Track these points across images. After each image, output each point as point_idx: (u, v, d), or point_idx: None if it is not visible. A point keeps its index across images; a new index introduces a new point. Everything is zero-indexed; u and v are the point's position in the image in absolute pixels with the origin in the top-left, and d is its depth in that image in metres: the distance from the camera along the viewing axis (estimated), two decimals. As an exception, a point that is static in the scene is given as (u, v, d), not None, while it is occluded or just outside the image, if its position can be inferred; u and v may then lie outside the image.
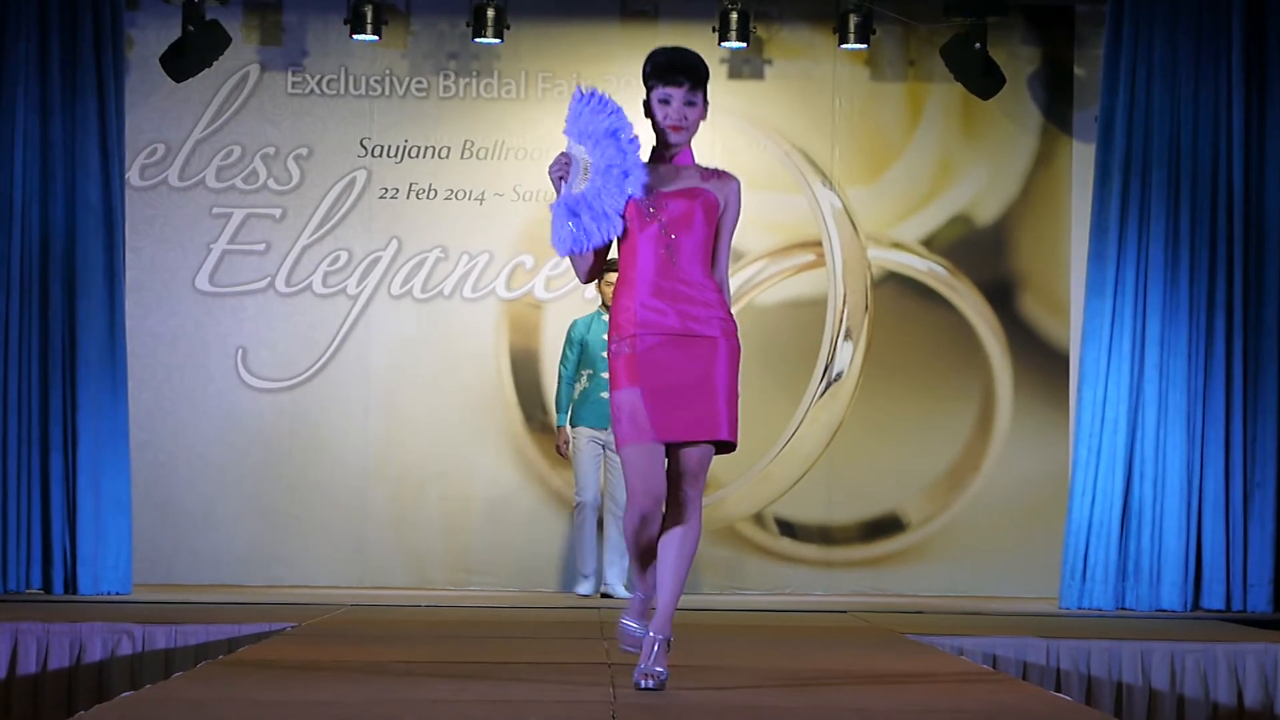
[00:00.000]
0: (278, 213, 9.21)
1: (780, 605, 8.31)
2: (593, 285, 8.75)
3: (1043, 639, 6.40)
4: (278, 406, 9.13)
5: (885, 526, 9.22)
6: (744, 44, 8.95)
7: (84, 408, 8.14)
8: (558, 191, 4.42)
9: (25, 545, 8.08)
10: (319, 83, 9.21)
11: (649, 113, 4.42)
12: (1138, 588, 8.15)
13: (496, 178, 9.23)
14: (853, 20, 8.90)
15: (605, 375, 8.30)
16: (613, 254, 4.54)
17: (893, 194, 9.29)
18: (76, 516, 8.11)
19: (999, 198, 9.28)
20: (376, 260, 9.20)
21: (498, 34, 8.93)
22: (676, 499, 4.37)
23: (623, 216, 4.35)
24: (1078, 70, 9.25)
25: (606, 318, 8.48)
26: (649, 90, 4.42)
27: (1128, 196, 8.28)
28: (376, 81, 9.23)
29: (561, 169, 4.39)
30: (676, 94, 4.39)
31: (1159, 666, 6.23)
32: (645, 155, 4.42)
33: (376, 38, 8.95)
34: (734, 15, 8.84)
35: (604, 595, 8.51)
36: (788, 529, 9.21)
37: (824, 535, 9.21)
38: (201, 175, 9.19)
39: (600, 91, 4.41)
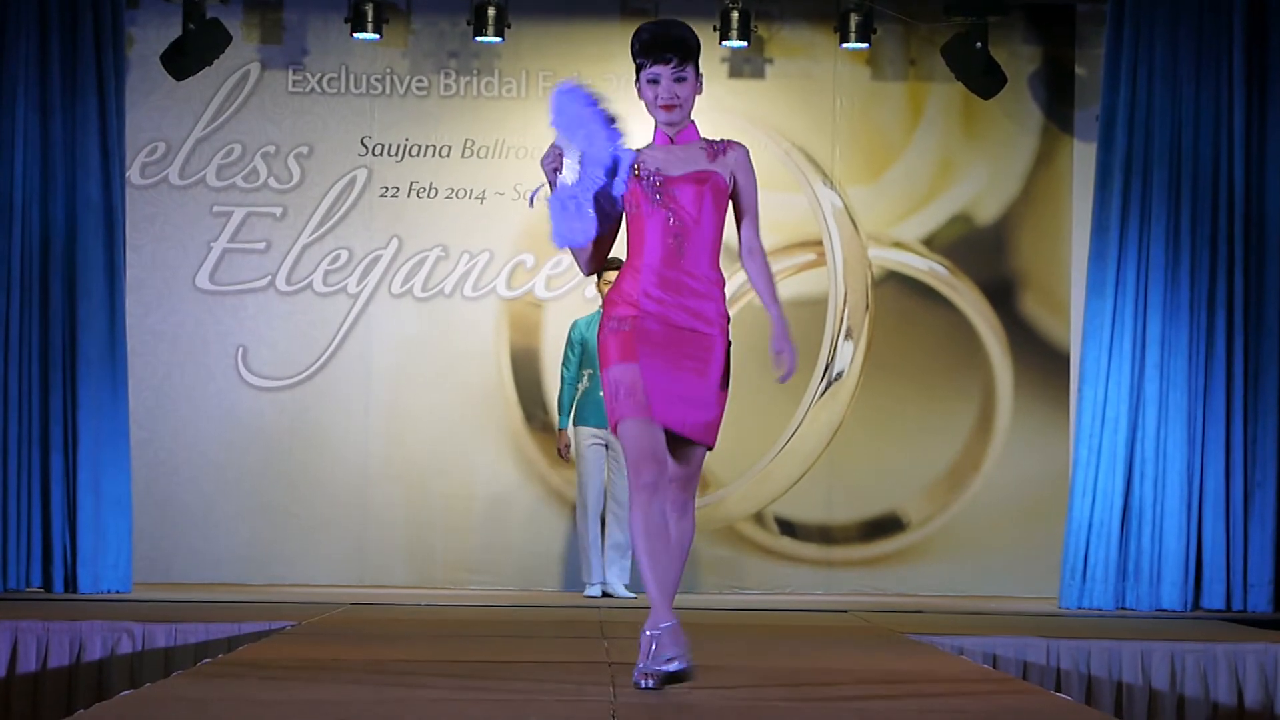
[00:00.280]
0: (278, 211, 9.21)
1: (780, 605, 8.31)
2: (593, 285, 8.76)
3: (1043, 639, 6.40)
4: (278, 405, 9.13)
5: (885, 526, 9.22)
6: (745, 43, 8.96)
7: (84, 406, 8.14)
8: (552, 185, 4.37)
9: (25, 543, 8.08)
10: (320, 81, 9.21)
11: (641, 94, 4.32)
12: (1138, 588, 8.15)
13: (497, 177, 9.23)
14: (854, 19, 8.90)
15: None
16: (614, 252, 4.53)
17: (893, 193, 9.29)
18: (77, 515, 8.12)
19: (1000, 197, 9.28)
20: (377, 259, 9.20)
21: (498, 33, 8.93)
22: (672, 500, 4.31)
23: (624, 201, 4.28)
24: (1079, 70, 9.25)
25: None
26: (638, 71, 4.32)
27: (1128, 196, 8.28)
28: (377, 80, 9.23)
29: (554, 160, 4.29)
30: (664, 71, 4.28)
31: (1159, 666, 6.23)
32: (646, 139, 4.35)
33: (377, 36, 8.95)
34: (735, 14, 8.84)
35: (605, 595, 8.51)
36: (788, 528, 9.21)
37: (824, 535, 9.21)
38: (202, 174, 9.19)
39: (580, 83, 4.34)
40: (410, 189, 9.24)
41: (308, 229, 9.20)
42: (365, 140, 9.23)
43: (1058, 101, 9.25)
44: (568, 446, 8.47)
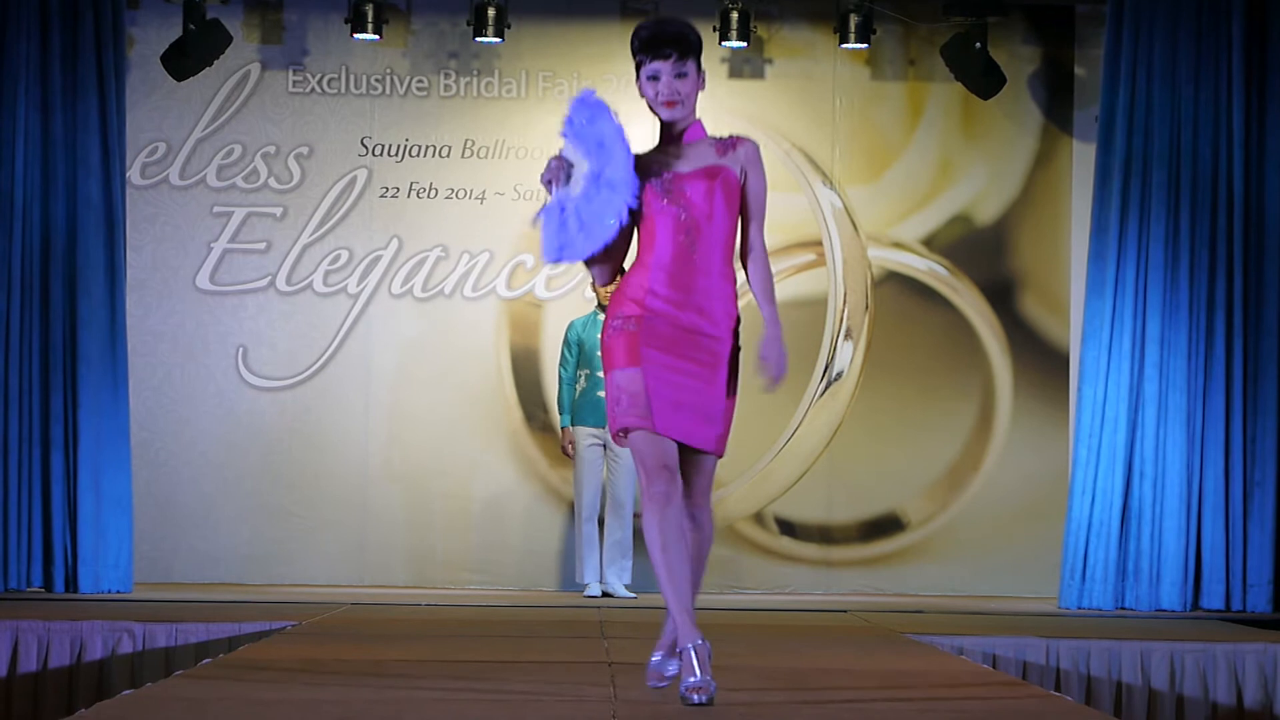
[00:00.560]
0: (278, 211, 9.21)
1: (780, 605, 8.31)
2: (583, 287, 8.77)
3: (1042, 639, 6.40)
4: (278, 405, 9.14)
5: (885, 526, 9.22)
6: (744, 43, 8.96)
7: (85, 406, 8.14)
8: (548, 196, 4.24)
9: (26, 543, 8.08)
10: (320, 82, 9.21)
11: (642, 92, 4.21)
12: (1137, 588, 8.15)
13: (497, 177, 9.24)
14: (853, 20, 8.90)
15: (601, 374, 8.28)
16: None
17: (893, 193, 9.29)
18: (77, 515, 8.12)
19: (999, 197, 9.29)
20: (377, 259, 9.20)
21: (498, 33, 8.93)
22: (687, 512, 4.16)
23: (638, 199, 4.14)
24: (1078, 70, 9.25)
25: (603, 317, 8.48)
26: (638, 69, 4.20)
27: (1128, 196, 8.28)
28: (377, 80, 9.23)
29: (552, 174, 4.17)
30: (664, 68, 4.16)
31: (1158, 666, 6.23)
32: (653, 140, 4.25)
33: (377, 37, 8.95)
34: (734, 14, 8.84)
35: (605, 594, 8.52)
36: (788, 528, 9.21)
37: (824, 535, 9.21)
38: (202, 174, 9.19)
39: (602, 99, 4.23)
40: (410, 189, 9.24)
41: (308, 229, 9.20)
42: (365, 140, 9.23)
43: (1057, 102, 9.25)
44: (571, 444, 8.48)
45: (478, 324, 9.18)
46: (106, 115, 8.25)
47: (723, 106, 9.04)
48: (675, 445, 4.13)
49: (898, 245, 9.27)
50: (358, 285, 9.19)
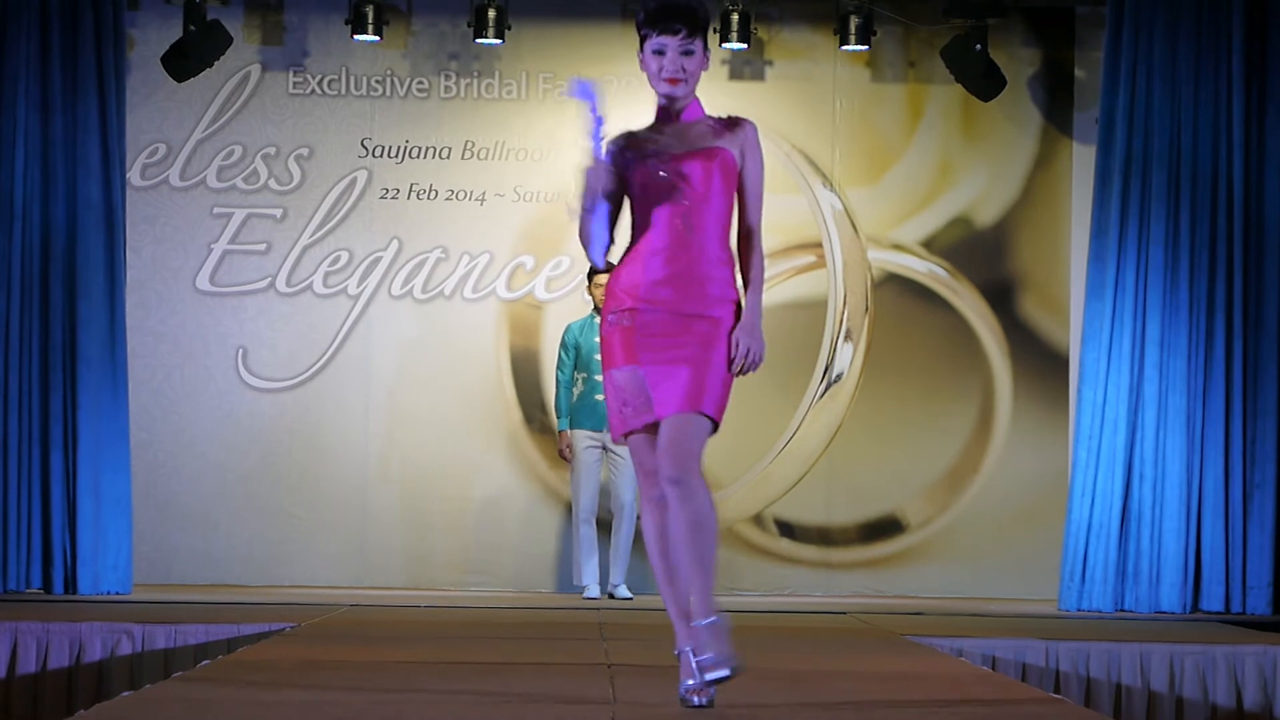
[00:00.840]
0: (278, 213, 9.21)
1: (779, 606, 8.31)
2: (583, 288, 8.76)
3: (1042, 640, 6.40)
4: (278, 406, 9.13)
5: (885, 528, 9.21)
6: (745, 45, 8.96)
7: (84, 407, 8.14)
8: (593, 204, 4.04)
9: (25, 544, 8.08)
10: (320, 83, 9.21)
11: (644, 66, 4.07)
12: (1137, 589, 8.15)
13: (497, 178, 9.24)
14: (853, 22, 8.90)
15: (599, 378, 8.29)
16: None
17: (893, 195, 9.29)
18: (76, 516, 8.11)
19: (999, 199, 9.29)
20: (377, 260, 9.20)
21: (499, 34, 8.93)
22: (668, 476, 3.96)
23: (629, 184, 4.03)
24: (1078, 72, 9.25)
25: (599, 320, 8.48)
26: (642, 41, 4.06)
27: (1128, 198, 8.28)
28: (377, 82, 9.23)
29: (598, 179, 4.02)
30: (671, 43, 4.02)
31: (1158, 668, 6.23)
32: (649, 117, 4.13)
33: (377, 38, 8.95)
34: (735, 16, 8.84)
35: (610, 596, 8.51)
36: (787, 530, 9.21)
37: (823, 536, 9.21)
38: (202, 175, 9.19)
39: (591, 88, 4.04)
40: (410, 190, 9.24)
41: (308, 230, 9.20)
42: (365, 142, 9.23)
43: (1057, 104, 9.25)
44: (569, 447, 8.48)
45: (477, 325, 9.18)
46: (106, 116, 8.25)
47: (723, 107, 8.99)
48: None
49: (898, 247, 9.27)
50: (358, 286, 9.19)
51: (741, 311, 4.09)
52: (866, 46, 9.02)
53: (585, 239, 4.05)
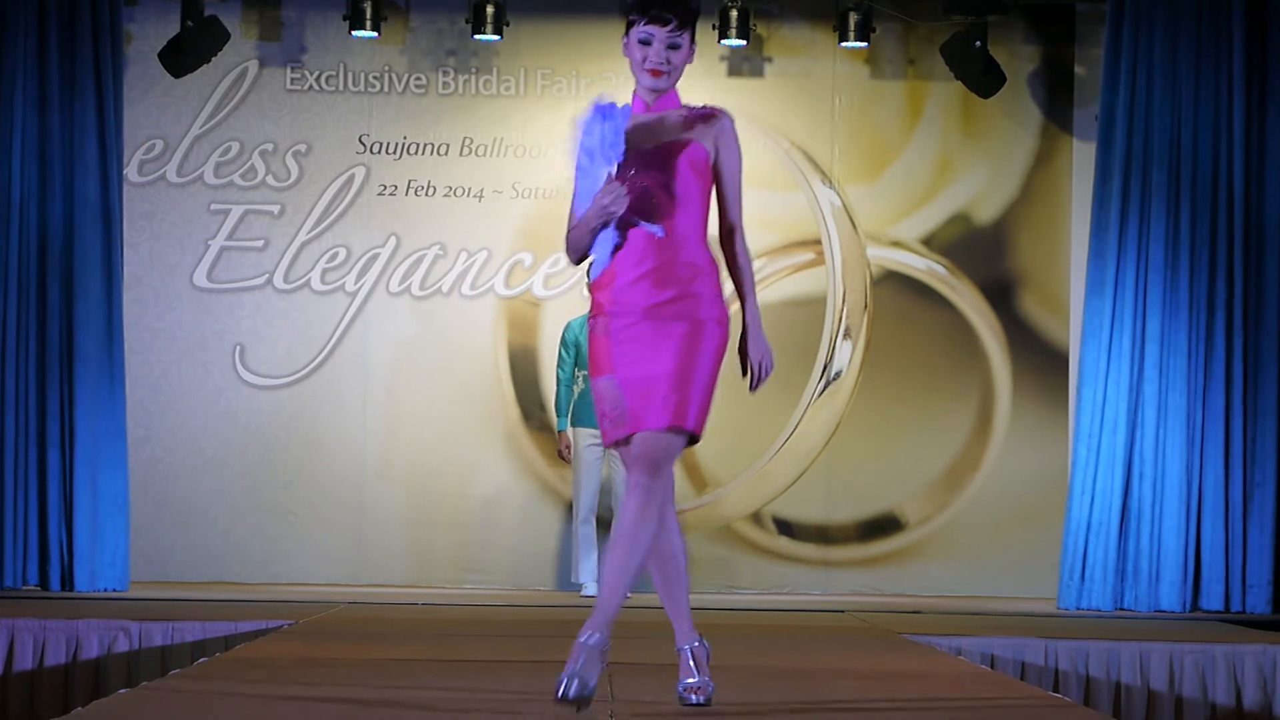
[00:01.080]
0: (276, 209, 9.21)
1: (778, 605, 8.32)
2: (582, 285, 8.76)
3: (1041, 639, 6.40)
4: (276, 403, 9.14)
5: (883, 526, 9.22)
6: (744, 42, 8.96)
7: (81, 404, 8.15)
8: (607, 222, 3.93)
9: (22, 541, 8.09)
10: (318, 79, 9.22)
11: (628, 53, 3.97)
12: (1136, 588, 8.16)
13: (495, 175, 9.24)
14: (853, 18, 8.90)
15: None
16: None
17: (892, 192, 9.30)
18: (74, 513, 8.12)
19: (999, 196, 9.29)
20: (375, 257, 9.20)
21: (497, 31, 8.93)
22: (636, 483, 3.86)
23: (627, 198, 3.88)
24: (1078, 69, 9.25)
25: None
26: (629, 27, 3.96)
27: (1128, 195, 8.29)
28: (375, 78, 9.23)
29: (616, 202, 3.89)
30: (659, 33, 3.92)
31: (1157, 667, 6.23)
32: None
33: (375, 34, 8.95)
34: (734, 13, 8.84)
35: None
36: (786, 528, 9.22)
37: (822, 535, 9.21)
38: (200, 171, 9.19)
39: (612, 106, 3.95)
40: (408, 187, 9.24)
41: (305, 227, 9.20)
42: (363, 138, 9.23)
43: (1057, 101, 9.26)
44: (568, 447, 8.47)
45: (475, 322, 9.18)
46: (104, 112, 8.25)
47: (722, 105, 9.02)
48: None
49: (897, 244, 9.28)
50: (355, 283, 9.19)
51: (720, 306, 3.95)
52: (866, 43, 9.03)
53: (580, 250, 3.98)
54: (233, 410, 9.11)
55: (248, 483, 9.07)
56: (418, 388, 9.16)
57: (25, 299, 8.17)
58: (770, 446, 9.17)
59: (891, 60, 9.29)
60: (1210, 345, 8.20)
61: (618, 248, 3.94)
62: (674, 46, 3.94)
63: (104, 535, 8.17)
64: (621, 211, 3.88)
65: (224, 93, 9.19)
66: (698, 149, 3.93)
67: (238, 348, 9.15)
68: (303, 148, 9.22)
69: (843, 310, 9.23)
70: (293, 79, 9.22)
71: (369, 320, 9.19)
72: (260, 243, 9.20)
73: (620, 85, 8.68)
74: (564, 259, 9.04)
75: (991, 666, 6.19)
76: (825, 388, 9.21)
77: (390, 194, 9.23)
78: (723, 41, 8.93)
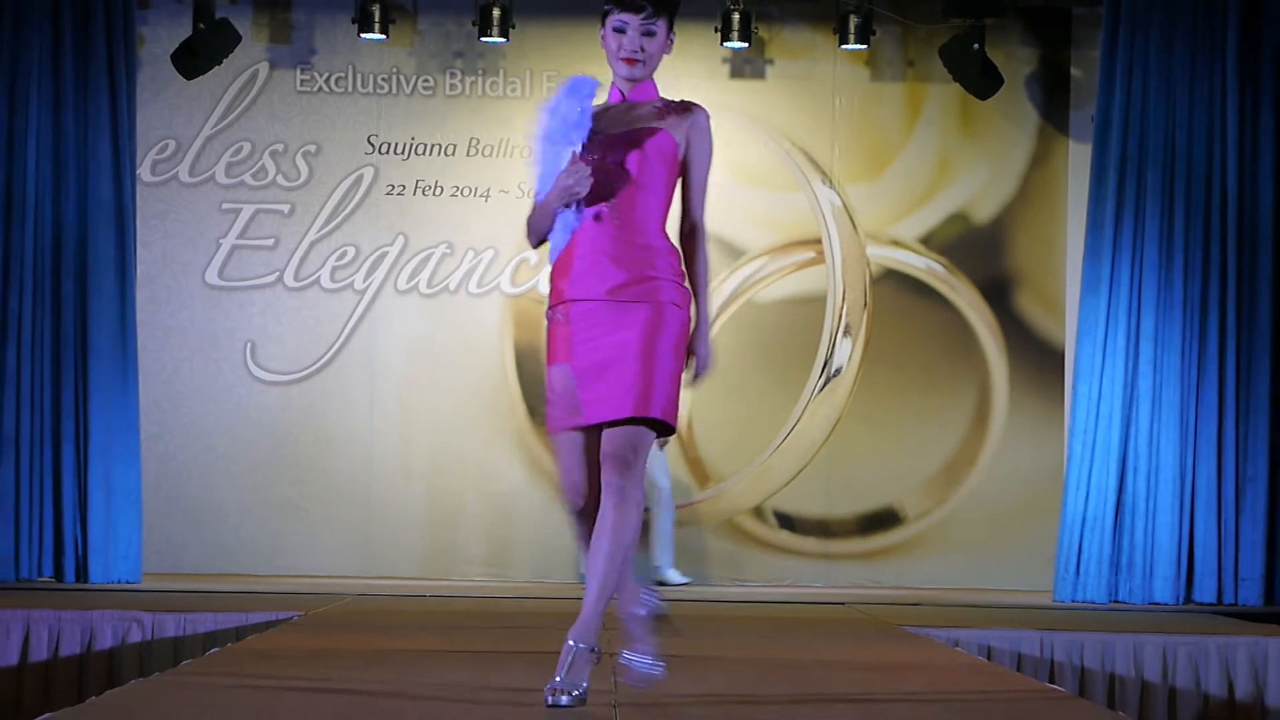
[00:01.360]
0: (286, 208, 9.23)
1: (779, 597, 8.33)
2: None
3: (1037, 631, 6.42)
4: (286, 399, 9.15)
5: (883, 520, 9.23)
6: (746, 44, 8.97)
7: (95, 400, 8.17)
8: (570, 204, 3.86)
9: (38, 534, 8.11)
10: (327, 81, 9.23)
11: (604, 43, 3.88)
12: (1131, 581, 8.17)
13: (502, 175, 9.25)
14: (853, 21, 8.91)
15: None
16: None
17: (892, 192, 9.31)
18: (88, 506, 8.14)
19: (996, 196, 9.30)
20: (383, 255, 9.22)
21: (503, 33, 8.94)
22: (609, 482, 3.74)
23: (590, 178, 3.78)
24: (1074, 71, 9.26)
25: None
26: (604, 18, 3.87)
27: (1123, 195, 8.30)
28: (384, 80, 9.25)
29: (579, 182, 3.80)
30: (633, 21, 3.83)
31: (1151, 659, 6.24)
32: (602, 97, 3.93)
33: (384, 37, 8.97)
34: (736, 16, 8.85)
35: (659, 584, 8.49)
36: (787, 522, 9.23)
37: (822, 528, 9.23)
38: (211, 171, 9.21)
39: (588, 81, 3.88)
40: (416, 187, 9.25)
41: (315, 226, 9.22)
42: (372, 139, 9.25)
43: (1054, 102, 9.26)
44: None
45: (482, 320, 9.20)
46: (117, 113, 8.27)
47: (724, 106, 9.04)
48: (594, 453, 3.76)
49: (896, 243, 9.29)
50: (364, 281, 9.21)
51: (681, 290, 3.83)
52: (866, 45, 9.04)
53: (540, 232, 3.89)
54: (243, 406, 9.13)
55: (258, 478, 9.09)
56: (425, 384, 9.18)
57: (40, 296, 8.19)
58: (772, 442, 9.18)
59: (891, 62, 9.30)
60: (1204, 343, 8.21)
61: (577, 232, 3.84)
62: (649, 34, 3.85)
63: (117, 528, 8.19)
64: (585, 192, 3.78)
65: (235, 94, 9.20)
66: (667, 138, 3.84)
67: (248, 345, 9.17)
68: (312, 148, 9.24)
69: (843, 308, 9.24)
70: (302, 81, 9.23)
71: (377, 318, 9.21)
72: (271, 241, 9.21)
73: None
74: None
75: (988, 658, 6.20)
76: (825, 384, 9.22)
77: (398, 194, 9.25)
78: (725, 44, 8.94)
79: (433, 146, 9.26)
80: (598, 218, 3.82)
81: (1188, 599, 8.14)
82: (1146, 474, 8.18)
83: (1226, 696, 6.21)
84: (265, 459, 9.10)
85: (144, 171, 9.04)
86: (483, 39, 9.01)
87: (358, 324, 9.20)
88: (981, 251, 9.28)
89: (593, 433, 3.78)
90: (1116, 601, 8.17)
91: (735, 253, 9.21)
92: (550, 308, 3.89)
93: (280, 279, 9.20)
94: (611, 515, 3.74)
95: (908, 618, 6.89)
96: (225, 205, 9.21)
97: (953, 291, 9.26)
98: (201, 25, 8.76)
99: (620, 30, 3.85)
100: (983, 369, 9.25)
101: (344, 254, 9.22)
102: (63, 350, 8.18)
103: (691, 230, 3.89)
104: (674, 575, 8.59)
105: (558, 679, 3.72)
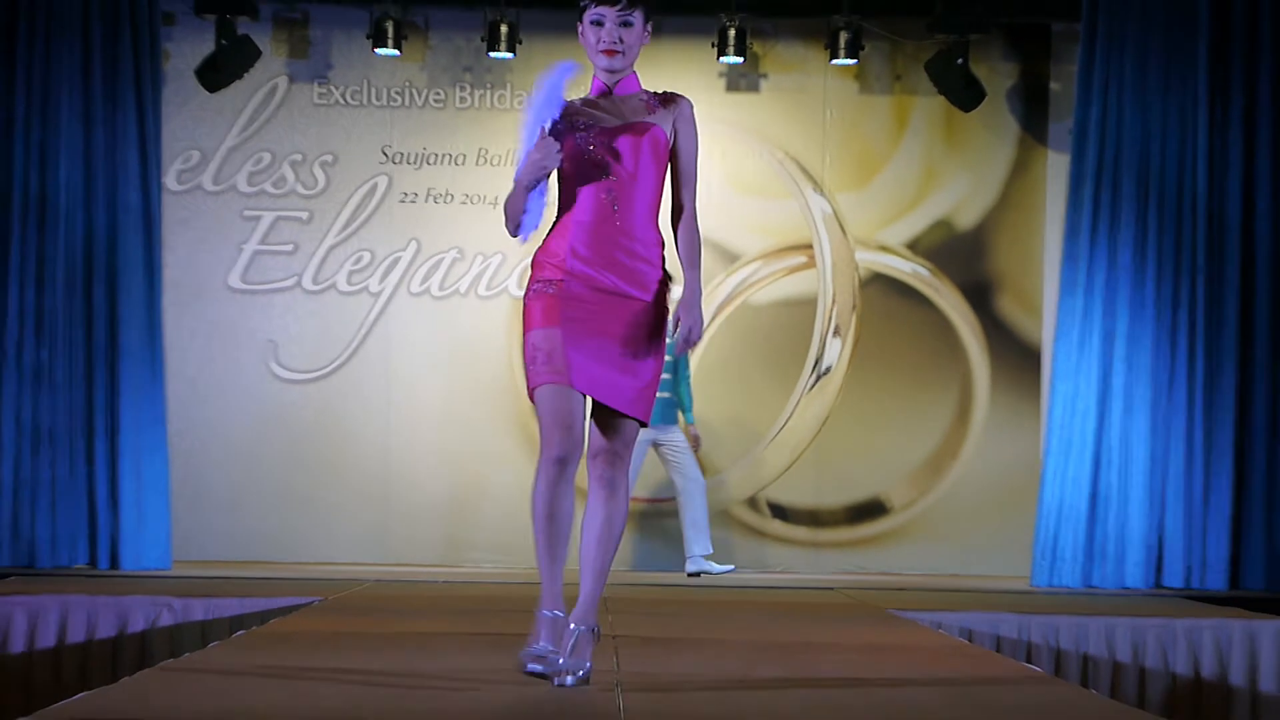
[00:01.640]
0: (305, 215, 9.27)
1: (772, 583, 8.33)
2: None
3: (1015, 615, 6.42)
4: (305, 397, 9.20)
5: (870, 510, 9.27)
6: (741, 59, 9.00)
7: (125, 398, 8.21)
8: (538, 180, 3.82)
9: (71, 523, 8.14)
10: (343, 94, 9.27)
11: (583, 39, 3.82)
12: (1104, 567, 8.20)
13: (509, 183, 9.21)
14: (843, 37, 8.94)
15: (666, 375, 8.20)
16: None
17: (879, 200, 9.33)
18: (119, 498, 8.18)
19: (979, 204, 9.33)
20: (397, 260, 9.26)
21: (510, 49, 8.98)
22: (600, 475, 3.78)
23: (560, 154, 3.76)
24: (1053, 85, 9.29)
25: None
26: (581, 14, 3.81)
27: (1099, 203, 8.33)
28: (397, 93, 9.29)
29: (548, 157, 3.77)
30: (609, 14, 3.77)
31: (1122, 641, 6.24)
32: (584, 90, 3.91)
33: (397, 52, 9.01)
34: (732, 32, 8.89)
35: (694, 574, 8.41)
36: (779, 512, 9.27)
37: (813, 518, 9.26)
38: (233, 180, 9.25)
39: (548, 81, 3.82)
40: (428, 195, 9.30)
41: (332, 232, 9.26)
42: (386, 149, 9.29)
43: (1033, 115, 9.29)
44: None
45: (491, 321, 9.23)
46: (144, 125, 8.31)
47: (720, 118, 9.10)
48: (580, 407, 3.74)
49: (883, 248, 9.32)
50: (379, 284, 9.25)
51: (665, 286, 3.81)
52: (855, 60, 9.06)
53: (515, 214, 3.83)
54: (265, 403, 9.16)
55: (279, 471, 9.12)
56: (436, 382, 9.22)
57: (72, 299, 8.23)
58: (765, 436, 9.23)
59: (879, 76, 9.33)
60: (1174, 342, 8.25)
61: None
62: (626, 25, 3.79)
63: (147, 518, 8.23)
64: (554, 167, 3.74)
65: (256, 107, 9.24)
66: (658, 131, 3.79)
67: (269, 345, 9.21)
68: (329, 158, 9.28)
69: (832, 310, 9.28)
70: (320, 94, 9.27)
71: (392, 319, 9.25)
72: (290, 247, 9.25)
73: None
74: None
75: (969, 640, 6.19)
76: (816, 382, 9.26)
77: (411, 201, 9.29)
78: (721, 59, 8.97)
79: (444, 156, 9.30)
80: (602, 197, 3.75)
81: (1157, 584, 8.18)
82: (1119, 467, 8.22)
83: (1193, 676, 6.22)
84: (286, 453, 9.14)
85: (170, 180, 9.08)
86: (491, 55, 9.05)
87: (373, 325, 9.25)
88: (964, 256, 9.32)
89: (575, 391, 3.73)
90: (1090, 587, 8.19)
91: (731, 257, 9.26)
92: (540, 281, 3.81)
93: (299, 282, 9.24)
94: (606, 505, 3.78)
95: (893, 602, 6.91)
96: (247, 212, 9.25)
97: (937, 294, 9.30)
98: (224, 41, 8.79)
99: (598, 23, 3.80)
100: (965, 367, 9.29)
101: (360, 259, 9.26)
102: (94, 350, 8.22)
103: (681, 210, 3.85)
104: (714, 566, 8.49)
105: (562, 661, 3.73)
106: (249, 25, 8.98)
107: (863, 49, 9.03)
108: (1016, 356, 9.25)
